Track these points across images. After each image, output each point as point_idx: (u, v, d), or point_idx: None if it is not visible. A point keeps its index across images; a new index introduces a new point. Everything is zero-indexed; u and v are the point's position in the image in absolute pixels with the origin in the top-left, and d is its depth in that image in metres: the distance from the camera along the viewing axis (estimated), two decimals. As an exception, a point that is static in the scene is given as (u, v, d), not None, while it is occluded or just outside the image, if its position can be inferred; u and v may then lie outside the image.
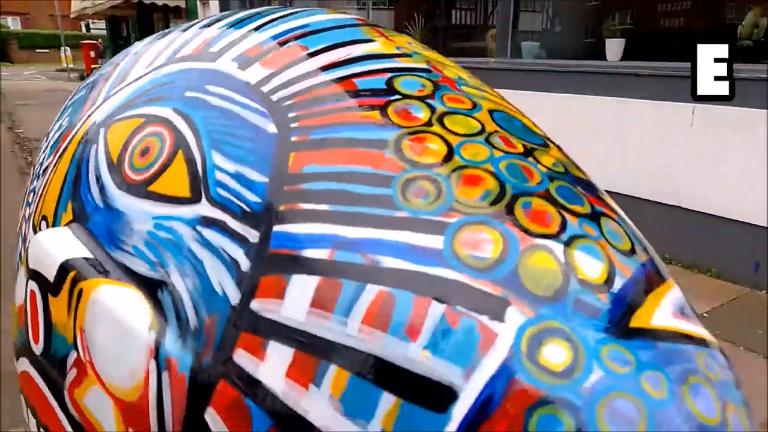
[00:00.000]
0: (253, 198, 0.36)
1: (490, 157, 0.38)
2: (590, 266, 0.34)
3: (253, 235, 0.35)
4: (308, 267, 0.33)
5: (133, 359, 0.35)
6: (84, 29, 28.88)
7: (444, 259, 0.33)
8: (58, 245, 0.41)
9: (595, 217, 0.38)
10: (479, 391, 0.30)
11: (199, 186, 0.39)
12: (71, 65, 16.73)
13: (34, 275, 0.42)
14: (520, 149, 0.40)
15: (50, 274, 0.40)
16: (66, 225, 0.44)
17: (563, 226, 0.36)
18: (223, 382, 0.34)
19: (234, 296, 0.34)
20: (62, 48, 17.64)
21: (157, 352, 0.35)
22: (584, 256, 0.35)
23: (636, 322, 0.33)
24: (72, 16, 17.77)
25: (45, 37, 28.48)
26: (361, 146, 0.37)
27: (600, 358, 0.31)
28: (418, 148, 0.37)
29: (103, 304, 0.37)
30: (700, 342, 0.35)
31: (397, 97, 0.42)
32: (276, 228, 0.35)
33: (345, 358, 0.31)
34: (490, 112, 0.42)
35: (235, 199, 0.37)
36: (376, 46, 0.47)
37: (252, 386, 0.33)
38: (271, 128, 0.39)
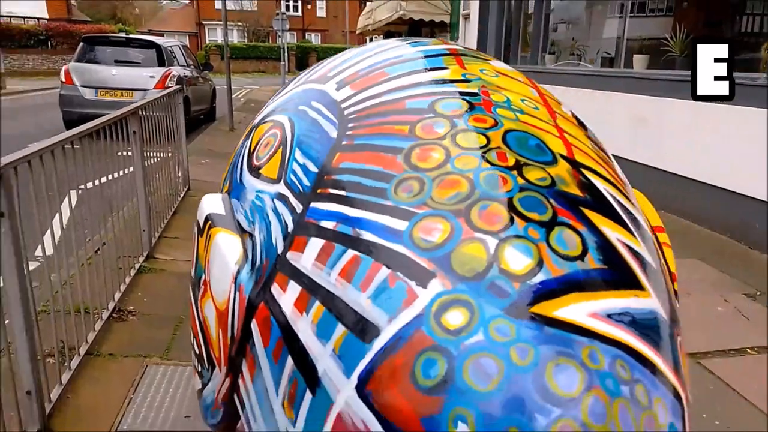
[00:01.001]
0: (306, 183, 0.52)
1: (477, 167, 0.47)
2: (516, 260, 0.42)
3: (299, 208, 0.51)
4: (321, 233, 0.47)
5: (225, 282, 0.54)
6: (367, 42, 32.61)
7: (402, 238, 0.44)
8: (210, 204, 0.62)
9: (550, 225, 0.43)
10: (393, 333, 0.40)
11: (282, 172, 0.55)
12: (351, 75, 19.02)
13: (197, 222, 0.65)
14: (511, 163, 0.47)
15: (201, 222, 0.62)
16: (223, 193, 0.66)
17: (507, 226, 0.43)
18: (262, 305, 0.49)
19: (280, 248, 0.50)
20: (347, 59, 20.28)
21: (235, 280, 0.53)
22: (514, 251, 0.42)
23: (538, 309, 0.39)
24: (357, 32, 20.40)
25: (336, 50, 33.11)
26: (382, 151, 0.50)
27: (487, 327, 0.39)
28: (422, 156, 0.48)
29: (218, 245, 0.56)
30: (608, 341, 0.39)
31: (431, 115, 0.52)
32: (312, 204, 0.50)
33: (324, 297, 0.44)
34: (507, 131, 0.50)
35: (296, 183, 0.53)
36: (444, 74, 0.58)
37: (275, 308, 0.48)
38: (333, 134, 0.54)
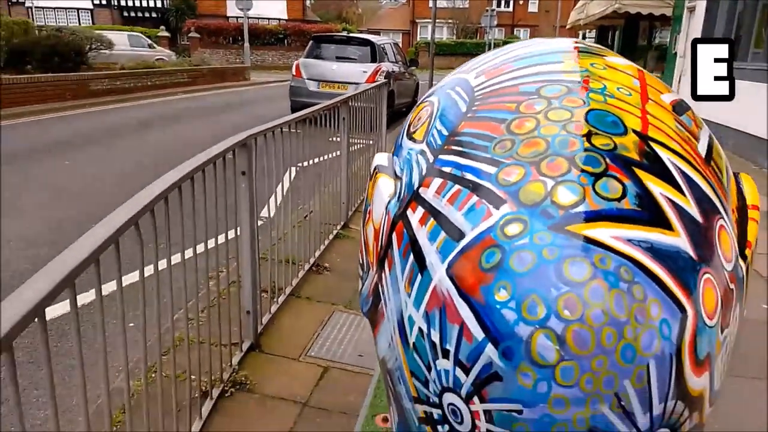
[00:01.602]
0: (439, 142, 0.73)
1: (556, 134, 0.63)
2: (564, 195, 0.57)
3: (432, 159, 0.71)
4: (441, 174, 0.68)
5: (380, 209, 0.77)
6: (580, 37, 30.99)
7: (491, 178, 0.62)
8: (379, 159, 0.85)
9: (599, 176, 0.57)
10: (473, 237, 0.58)
11: (426, 135, 0.77)
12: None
13: (370, 171, 0.91)
14: (584, 132, 0.62)
15: (372, 170, 0.87)
16: (390, 153, 0.92)
17: (564, 174, 0.59)
18: (400, 222, 0.70)
19: (416, 185, 0.72)
20: (554, 56, 19.66)
21: (386, 207, 0.77)
22: (564, 190, 0.57)
23: (571, 228, 0.55)
24: (567, 27, 19.69)
25: (545, 46, 32.09)
26: (492, 121, 0.69)
27: (533, 236, 0.56)
28: (518, 125, 0.66)
29: (379, 185, 0.78)
30: (620, 254, 0.53)
31: (535, 97, 0.69)
32: (439, 156, 0.71)
33: (436, 215, 0.65)
34: (591, 110, 0.64)
35: (433, 142, 0.73)
36: (558, 66, 0.73)
37: (407, 224, 0.69)
38: (464, 109, 0.73)
